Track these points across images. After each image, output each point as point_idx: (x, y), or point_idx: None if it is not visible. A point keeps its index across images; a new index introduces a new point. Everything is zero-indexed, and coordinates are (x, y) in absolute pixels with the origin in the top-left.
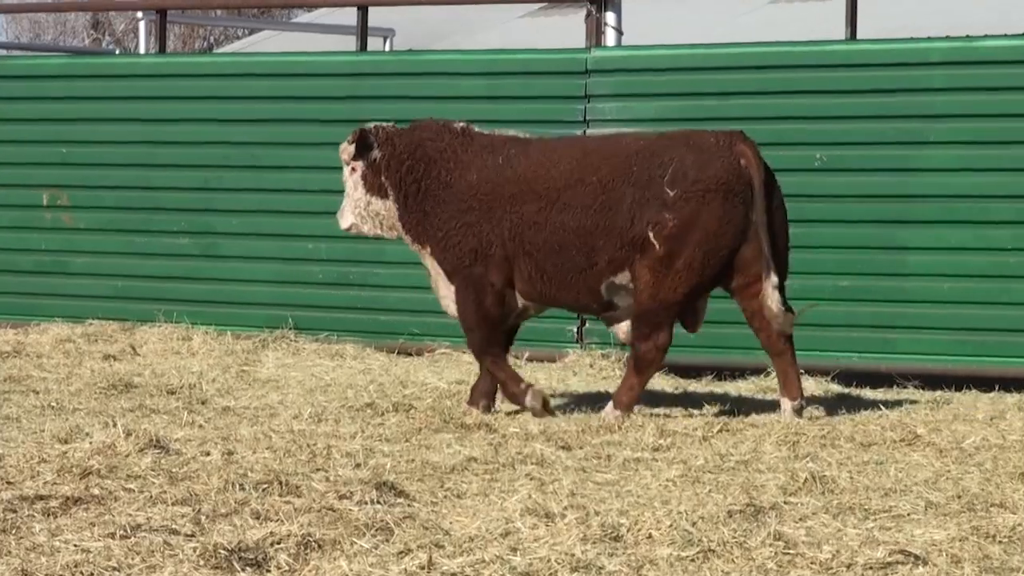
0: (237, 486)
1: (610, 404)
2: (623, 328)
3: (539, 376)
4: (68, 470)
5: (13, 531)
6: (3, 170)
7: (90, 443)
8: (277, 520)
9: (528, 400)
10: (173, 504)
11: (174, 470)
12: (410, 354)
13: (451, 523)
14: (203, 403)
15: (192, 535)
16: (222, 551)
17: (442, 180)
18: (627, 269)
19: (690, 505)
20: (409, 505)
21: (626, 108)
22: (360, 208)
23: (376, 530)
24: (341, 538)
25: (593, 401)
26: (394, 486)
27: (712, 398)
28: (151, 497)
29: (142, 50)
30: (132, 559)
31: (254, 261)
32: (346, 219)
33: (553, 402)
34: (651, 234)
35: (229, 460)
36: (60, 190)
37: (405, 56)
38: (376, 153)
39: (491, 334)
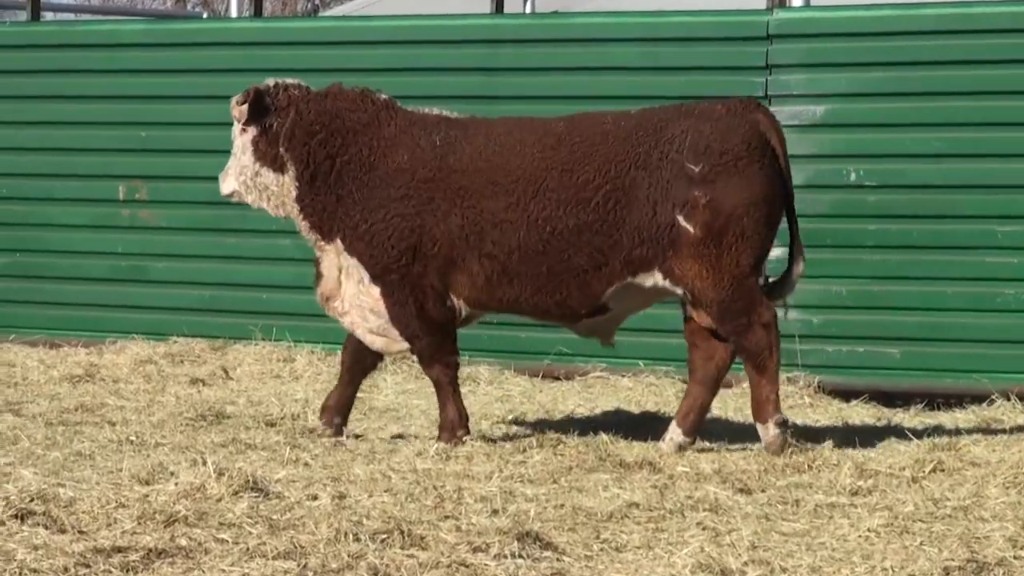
0: (350, 536)
1: (761, 426)
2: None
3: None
4: (150, 517)
5: None
6: (73, 158)
7: (176, 485)
8: None
9: (462, 439)
10: (274, 558)
11: (275, 517)
12: (557, 378)
13: None
14: (309, 437)
15: None
16: None
17: (364, 160)
18: (656, 269)
19: (897, 560)
20: (558, 559)
21: (815, 81)
22: (246, 176)
23: None
24: None
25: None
26: (539, 537)
27: (922, 431)
28: (248, 549)
29: (234, 14)
30: None
31: None
32: (228, 183)
33: (728, 435)
34: (681, 219)
35: (340, 505)
36: (139, 181)
37: (549, 19)
38: (273, 119)
39: (442, 338)
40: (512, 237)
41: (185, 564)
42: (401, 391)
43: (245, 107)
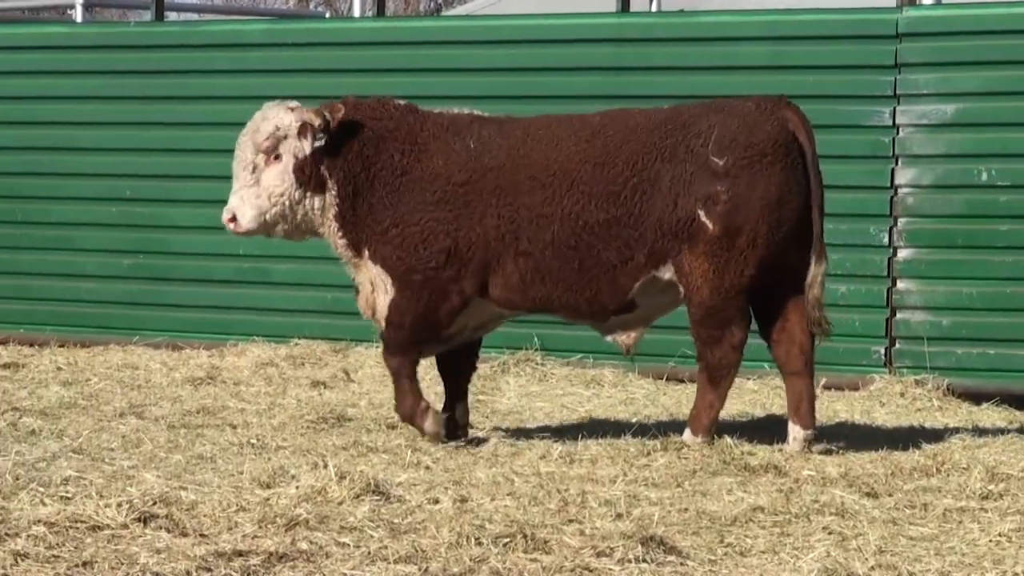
0: (472, 540)
1: (687, 431)
2: (622, 337)
3: (838, 407)
4: (271, 520)
5: None
6: (197, 159)
7: (297, 488)
8: None
9: (427, 424)
10: (396, 562)
11: (396, 520)
12: (681, 380)
13: None
14: (430, 440)
15: None
16: None
17: (396, 166)
18: (669, 262)
19: None
20: (682, 564)
21: (946, 80)
22: (283, 207)
23: None
24: None
25: (906, 438)
26: (663, 541)
27: None
28: (369, 553)
29: (357, 13)
30: None
31: None
32: (248, 218)
33: (854, 438)
34: (702, 213)
35: (462, 509)
36: None
37: (675, 18)
38: (320, 139)
39: (424, 339)
40: (546, 234)
41: (306, 568)
42: (524, 393)
43: (307, 140)
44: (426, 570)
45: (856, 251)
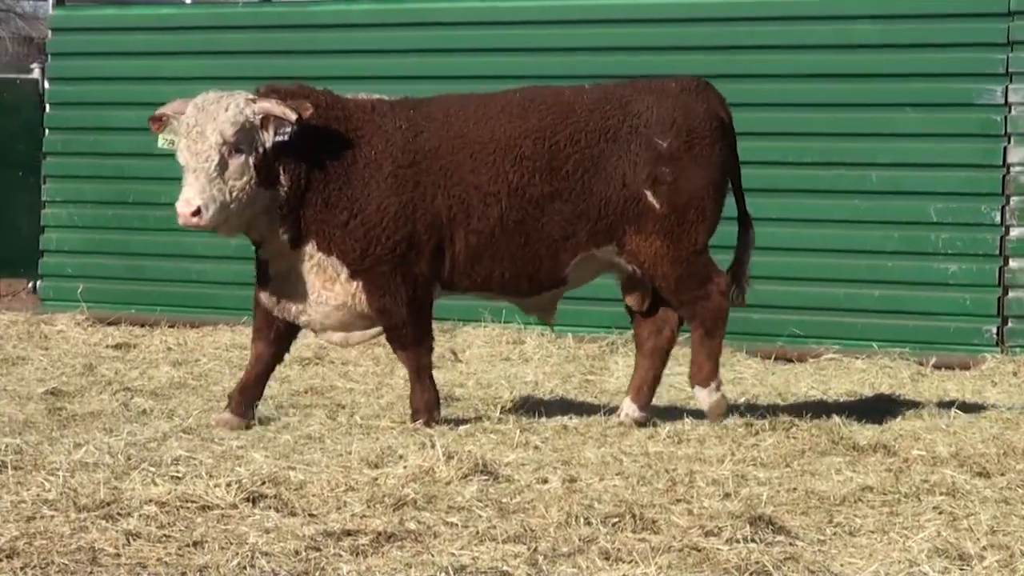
0: (581, 520)
1: (701, 390)
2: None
3: (949, 387)
4: (379, 500)
5: (317, 572)
6: None
7: (404, 468)
8: (631, 561)
9: (439, 418)
10: (504, 541)
11: (504, 500)
12: (790, 360)
13: (842, 565)
14: (539, 420)
15: None
16: None
17: (343, 158)
18: (613, 242)
19: None
20: (791, 544)
21: None
22: (239, 201)
23: (750, 574)
24: None
25: (1018, 418)
26: (772, 521)
27: None
28: (477, 533)
29: None
30: None
31: None
32: (213, 212)
33: (965, 418)
34: (649, 194)
35: (571, 488)
36: None
37: None
38: (284, 134)
39: (427, 324)
40: (493, 212)
41: (414, 548)
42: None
43: (270, 134)
44: (535, 550)
45: (967, 230)
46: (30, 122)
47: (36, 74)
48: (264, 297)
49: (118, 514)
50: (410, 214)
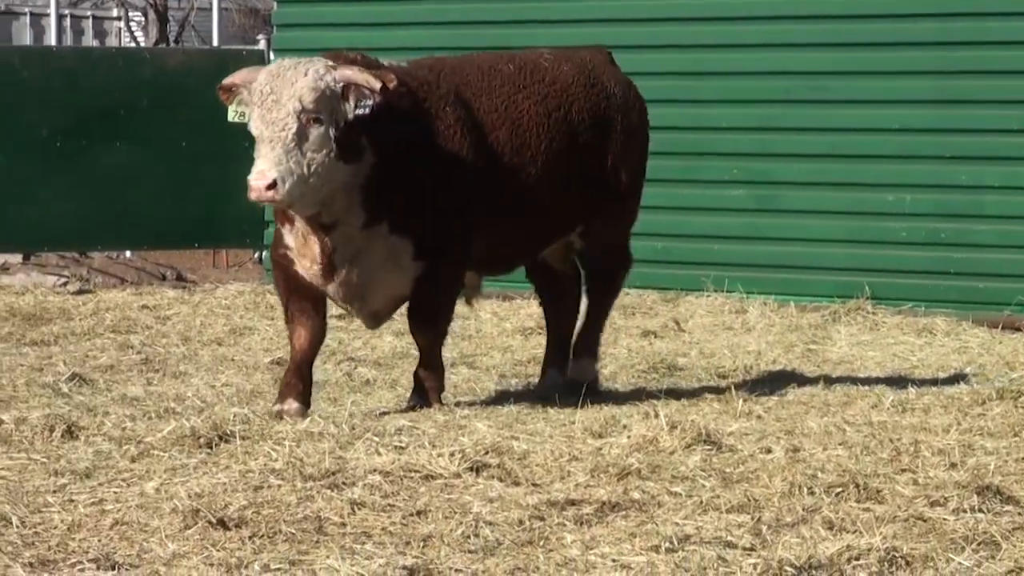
0: (805, 490)
1: (581, 361)
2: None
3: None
4: (603, 470)
5: (541, 542)
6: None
7: (628, 437)
8: (855, 531)
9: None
10: (728, 511)
11: (728, 470)
12: (1018, 329)
13: None
14: (761, 389)
15: (751, 548)
16: (788, 568)
17: (420, 132)
18: (581, 223)
19: None
20: (1020, 514)
21: None
22: (318, 175)
23: (978, 544)
24: (934, 553)
25: None
26: (1000, 491)
27: None
28: (701, 502)
29: None
30: None
31: (822, 216)
32: (291, 186)
33: None
34: (621, 170)
35: (794, 458)
36: None
37: None
38: (366, 106)
39: (452, 311)
40: (524, 193)
41: (638, 517)
42: (855, 343)
43: (351, 104)
44: (758, 519)
45: None
46: None
47: (262, 45)
48: (332, 288)
49: (343, 483)
50: (468, 193)
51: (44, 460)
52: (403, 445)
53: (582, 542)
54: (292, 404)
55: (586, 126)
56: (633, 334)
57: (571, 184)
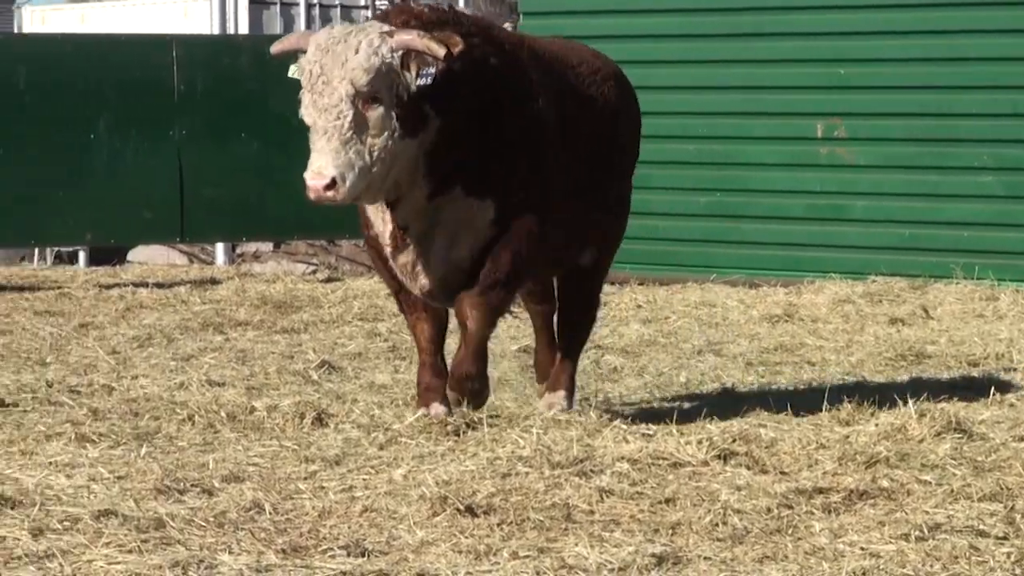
0: None
1: (561, 393)
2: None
3: None
4: (851, 458)
5: (789, 531)
6: (772, 96)
7: (876, 426)
8: None
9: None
10: (979, 500)
11: (979, 459)
12: None
13: None
14: (1013, 377)
15: (1004, 537)
16: None
17: (508, 94)
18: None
19: None
20: None
21: None
22: (383, 162)
23: None
24: None
25: None
26: None
27: None
28: (952, 491)
29: None
30: (931, 565)
31: None
32: (352, 183)
33: None
34: (625, 187)
35: None
36: (837, 119)
37: None
38: (428, 75)
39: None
40: (570, 178)
41: (887, 505)
42: None
43: (412, 74)
44: (1011, 508)
45: None
46: None
47: None
48: (405, 262)
49: (591, 471)
50: (548, 166)
51: (295, 447)
52: (651, 433)
53: (830, 530)
54: (438, 408)
55: (624, 142)
56: (880, 321)
57: (597, 175)
